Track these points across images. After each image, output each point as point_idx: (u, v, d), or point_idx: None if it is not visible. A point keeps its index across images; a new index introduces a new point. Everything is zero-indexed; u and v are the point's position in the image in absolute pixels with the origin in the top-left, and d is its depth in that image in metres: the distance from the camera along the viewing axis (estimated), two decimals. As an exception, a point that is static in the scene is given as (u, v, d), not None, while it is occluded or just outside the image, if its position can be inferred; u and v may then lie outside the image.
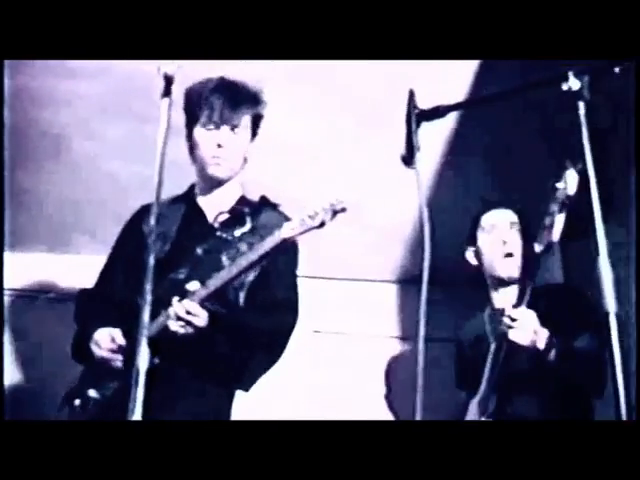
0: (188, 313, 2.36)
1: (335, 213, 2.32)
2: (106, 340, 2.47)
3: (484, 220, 2.90)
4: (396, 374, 3.99)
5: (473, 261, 2.93)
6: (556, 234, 2.47)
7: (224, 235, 2.57)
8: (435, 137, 3.36)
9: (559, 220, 2.46)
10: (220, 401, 2.54)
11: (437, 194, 3.51)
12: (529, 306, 2.52)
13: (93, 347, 2.50)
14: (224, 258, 2.50)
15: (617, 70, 1.71)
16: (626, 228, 2.89)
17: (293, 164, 3.53)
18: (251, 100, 2.63)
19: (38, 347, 3.82)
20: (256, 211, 2.61)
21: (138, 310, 1.73)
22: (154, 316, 2.01)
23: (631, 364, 1.76)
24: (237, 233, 2.56)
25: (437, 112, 1.93)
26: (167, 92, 1.90)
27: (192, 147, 2.63)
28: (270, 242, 2.36)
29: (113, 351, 2.46)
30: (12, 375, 3.79)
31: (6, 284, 3.44)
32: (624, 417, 1.51)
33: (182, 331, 2.38)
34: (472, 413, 2.71)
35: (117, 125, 3.43)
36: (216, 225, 2.61)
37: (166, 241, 2.56)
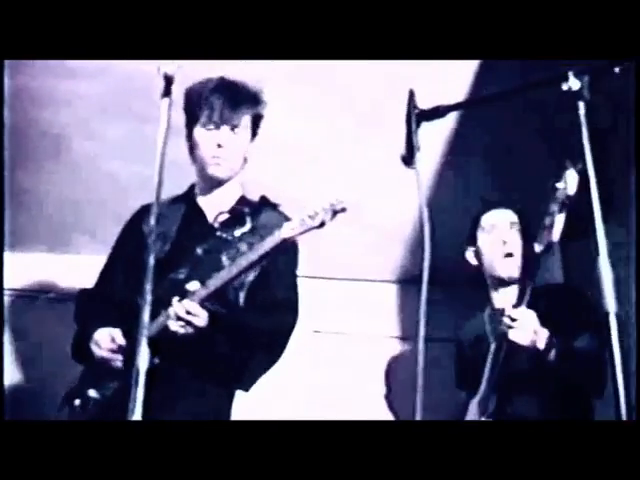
0: (188, 313, 2.36)
1: (335, 213, 2.32)
2: (106, 340, 2.47)
3: (484, 220, 2.90)
4: (396, 374, 3.99)
5: (473, 261, 2.93)
6: (556, 234, 2.47)
7: (224, 235, 2.57)
8: (435, 137, 3.36)
9: (559, 220, 2.46)
10: (220, 401, 2.53)
11: (437, 194, 3.51)
12: (529, 306, 2.52)
13: (93, 347, 2.50)
14: (224, 258, 2.50)
15: (617, 70, 1.71)
16: (626, 228, 2.89)
17: (293, 164, 3.52)
18: (251, 100, 2.63)
19: (38, 347, 3.82)
20: (256, 211, 2.61)
21: (138, 310, 1.73)
22: (154, 316, 2.01)
23: (631, 364, 1.76)
24: (237, 233, 2.56)
25: (437, 112, 1.93)
26: (167, 92, 1.90)
27: (192, 147, 2.63)
28: (270, 242, 2.36)
29: (113, 351, 2.46)
30: (12, 375, 3.79)
31: (6, 284, 3.44)
32: (624, 417, 1.51)
33: (182, 331, 2.38)
34: (472, 413, 2.71)
35: (117, 125, 3.43)
36: (216, 225, 2.61)
37: (166, 241, 2.56)
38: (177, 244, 2.57)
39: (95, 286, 2.73)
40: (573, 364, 2.55)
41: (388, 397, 3.99)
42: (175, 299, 2.37)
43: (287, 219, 2.40)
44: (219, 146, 2.56)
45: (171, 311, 2.37)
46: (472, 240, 2.93)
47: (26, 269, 3.94)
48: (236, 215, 2.61)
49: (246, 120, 2.61)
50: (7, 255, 3.41)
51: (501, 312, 2.62)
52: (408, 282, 4.07)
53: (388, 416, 3.92)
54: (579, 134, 1.68)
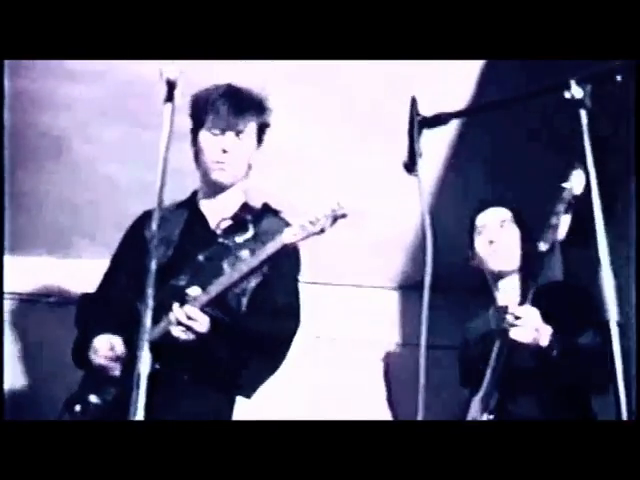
0: (189, 318, 2.36)
1: (336, 219, 2.32)
2: (104, 348, 2.47)
3: (478, 220, 2.92)
4: (398, 380, 3.98)
5: (473, 261, 2.94)
6: (561, 233, 2.48)
7: (226, 242, 2.57)
8: (437, 143, 3.36)
9: (565, 220, 2.47)
10: (221, 407, 2.53)
11: (439, 200, 3.50)
12: (532, 304, 2.53)
13: (91, 354, 2.49)
14: (225, 265, 2.50)
15: (619, 78, 1.71)
16: (626, 227, 2.91)
17: (295, 171, 3.52)
18: (256, 107, 2.63)
19: (38, 351, 3.81)
20: (258, 218, 2.61)
21: (139, 315, 1.72)
22: (155, 321, 2.01)
23: (631, 365, 1.76)
24: (239, 240, 2.56)
25: (439, 119, 1.92)
26: (170, 97, 1.89)
27: (197, 152, 2.64)
28: (271, 247, 2.36)
29: (111, 359, 2.46)
30: (12, 379, 3.77)
31: (6, 288, 3.43)
32: (624, 417, 1.51)
33: (183, 336, 2.37)
34: (474, 410, 2.71)
35: (116, 129, 3.43)
36: (218, 232, 2.61)
37: (168, 246, 2.56)
38: (179, 250, 2.57)
39: (97, 291, 2.72)
40: (576, 361, 2.55)
41: (390, 402, 3.98)
42: (176, 304, 2.37)
43: (288, 225, 2.40)
44: (224, 151, 2.57)
45: (172, 316, 2.37)
46: (470, 242, 2.94)
47: (26, 273, 3.94)
48: (238, 222, 2.61)
49: (252, 127, 2.62)
50: (7, 259, 3.41)
51: (504, 310, 2.63)
52: (409, 288, 4.06)
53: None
54: (581, 142, 1.68)
